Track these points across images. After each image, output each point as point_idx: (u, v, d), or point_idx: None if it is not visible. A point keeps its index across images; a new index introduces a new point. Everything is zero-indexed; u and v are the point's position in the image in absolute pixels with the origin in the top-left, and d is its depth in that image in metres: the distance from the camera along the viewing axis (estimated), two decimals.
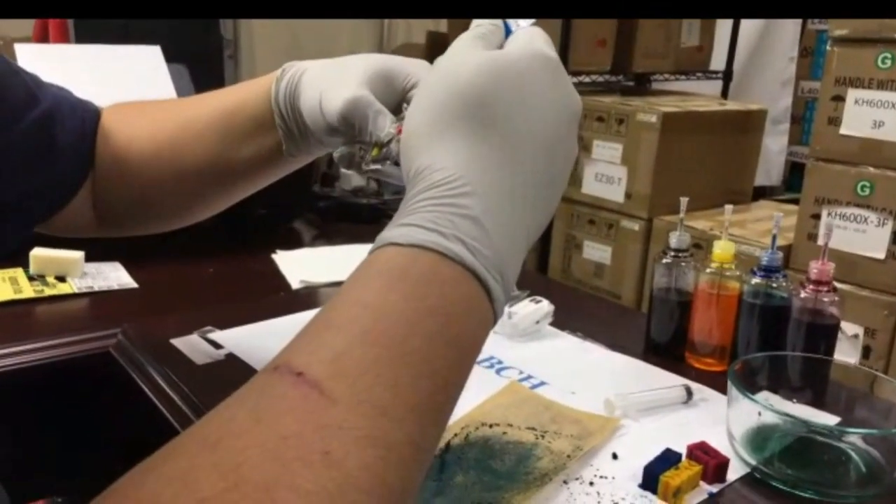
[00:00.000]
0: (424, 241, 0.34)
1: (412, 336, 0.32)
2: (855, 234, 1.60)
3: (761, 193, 2.70)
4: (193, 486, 0.27)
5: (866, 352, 1.61)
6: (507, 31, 0.45)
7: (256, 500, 0.26)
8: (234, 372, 0.73)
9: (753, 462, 0.61)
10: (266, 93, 0.59)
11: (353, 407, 0.30)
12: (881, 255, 1.58)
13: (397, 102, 0.55)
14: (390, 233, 0.36)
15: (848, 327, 1.59)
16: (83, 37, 1.68)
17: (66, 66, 1.22)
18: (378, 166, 0.51)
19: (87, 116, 0.63)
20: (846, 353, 1.59)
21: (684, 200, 0.80)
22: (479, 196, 0.37)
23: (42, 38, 1.67)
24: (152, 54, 1.27)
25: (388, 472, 0.29)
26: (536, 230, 0.41)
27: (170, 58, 1.30)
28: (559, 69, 0.42)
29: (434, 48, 3.38)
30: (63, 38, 1.58)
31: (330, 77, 0.55)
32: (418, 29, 3.76)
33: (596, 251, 2.14)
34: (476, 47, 0.42)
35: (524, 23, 0.45)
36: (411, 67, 0.56)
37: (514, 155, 0.39)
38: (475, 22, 0.45)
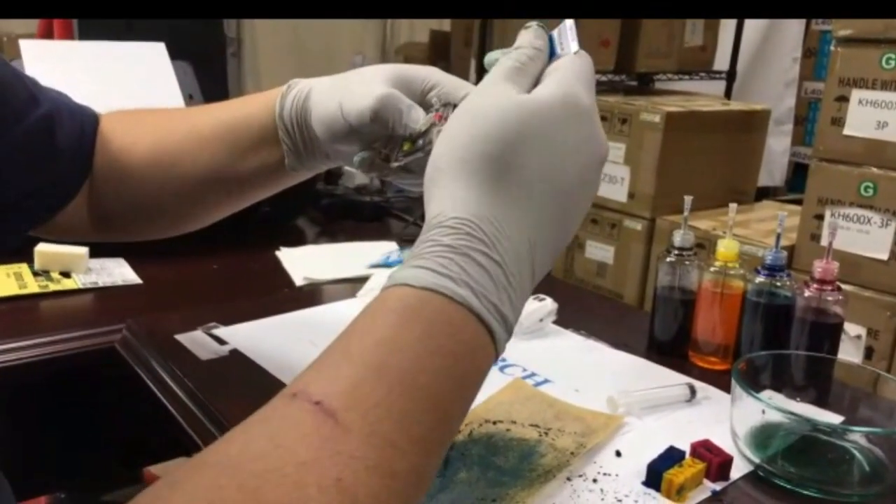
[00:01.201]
0: (436, 285, 0.37)
1: (421, 373, 0.35)
2: (858, 234, 1.60)
3: (764, 194, 2.70)
4: None
5: (869, 353, 1.61)
6: (552, 52, 0.45)
7: None
8: (238, 368, 0.73)
9: (757, 460, 0.61)
10: (270, 108, 0.60)
11: (364, 437, 0.32)
12: (884, 256, 1.58)
13: (419, 103, 0.56)
14: (404, 273, 0.38)
15: (851, 328, 1.59)
16: (87, 33, 1.68)
17: (70, 62, 1.22)
18: (410, 159, 0.52)
19: (85, 121, 0.63)
20: (849, 354, 1.59)
21: (688, 199, 0.80)
22: (490, 243, 0.39)
23: (46, 34, 1.68)
24: (157, 51, 1.28)
25: (391, 499, 0.32)
26: (542, 270, 0.42)
27: (173, 55, 1.30)
28: (590, 116, 0.43)
29: (437, 47, 3.38)
30: (67, 35, 1.58)
31: (349, 85, 0.56)
32: (421, 28, 3.76)
33: (598, 251, 2.14)
34: (509, 86, 0.42)
35: (571, 44, 0.44)
36: (425, 71, 0.57)
37: (529, 203, 0.40)
38: (521, 37, 0.44)
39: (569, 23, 0.44)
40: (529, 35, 0.45)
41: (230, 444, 0.32)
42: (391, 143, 0.55)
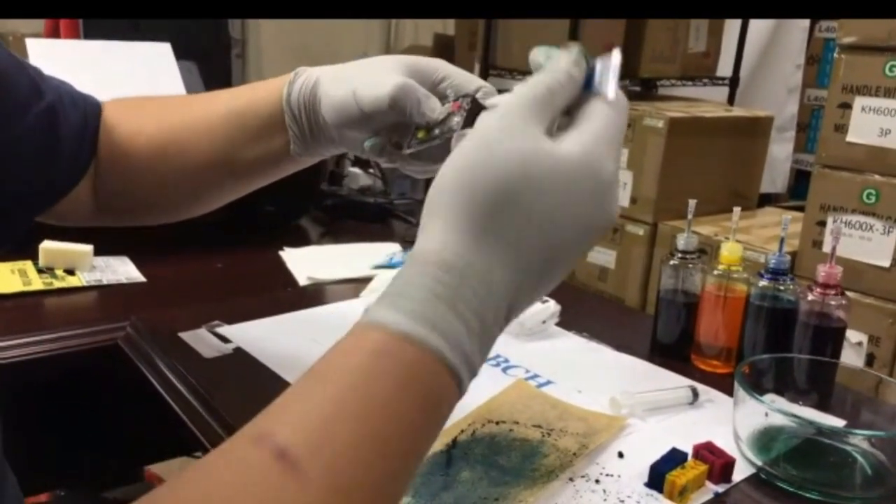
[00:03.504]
0: (416, 332, 0.36)
1: (391, 423, 0.35)
2: (860, 241, 1.60)
3: (766, 200, 2.70)
4: None
5: (870, 360, 1.61)
6: (589, 82, 0.42)
7: None
8: (241, 366, 0.73)
9: (759, 463, 0.61)
10: (277, 95, 0.61)
11: (325, 489, 0.32)
12: (886, 263, 1.58)
13: (433, 94, 0.56)
14: (385, 313, 0.37)
15: (852, 335, 1.59)
16: (93, 33, 1.69)
17: (76, 61, 1.22)
18: (424, 146, 0.53)
19: (88, 109, 0.64)
20: (850, 361, 1.59)
21: (692, 202, 0.80)
22: (474, 293, 0.38)
23: (53, 33, 1.68)
24: (162, 51, 1.28)
25: None
26: (516, 316, 0.41)
27: (178, 56, 1.31)
28: (608, 186, 0.40)
29: (441, 51, 3.39)
30: (74, 34, 1.58)
31: (362, 73, 0.57)
32: (425, 32, 3.77)
33: (600, 255, 2.14)
34: (534, 123, 0.39)
35: (611, 83, 0.41)
36: (434, 63, 0.58)
37: (518, 255, 0.39)
38: (561, 58, 0.41)
39: (616, 59, 0.42)
40: (569, 59, 0.42)
41: (187, 488, 0.32)
42: (401, 129, 0.56)
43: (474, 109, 0.49)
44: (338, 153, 0.66)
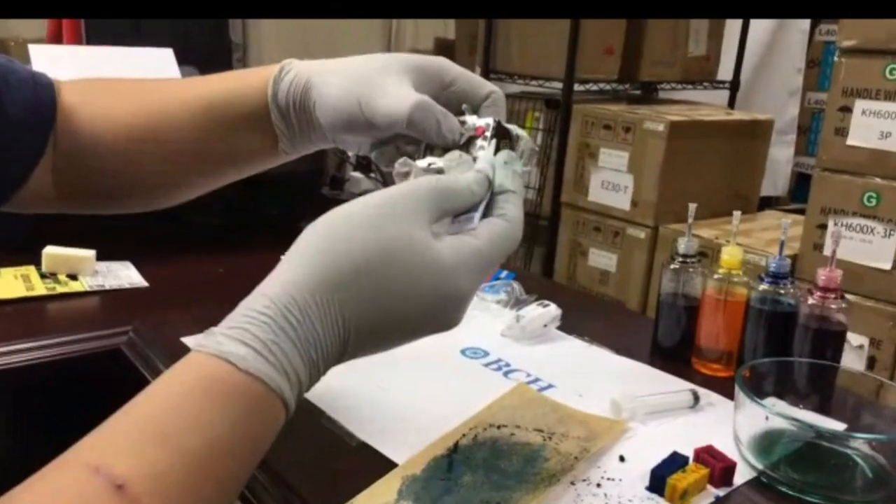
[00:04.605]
0: (260, 372, 0.39)
1: (230, 460, 0.38)
2: (861, 244, 1.61)
3: (767, 204, 2.71)
4: None
5: (871, 363, 1.61)
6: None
7: None
8: None
9: (760, 466, 0.61)
10: (261, 90, 0.56)
11: None
12: (887, 266, 1.58)
13: (440, 99, 0.53)
14: (226, 346, 0.39)
15: (853, 338, 1.59)
16: (95, 37, 1.69)
17: (79, 66, 1.23)
18: (439, 167, 0.52)
19: (40, 90, 0.58)
20: (851, 364, 1.59)
21: (692, 206, 0.80)
22: (311, 335, 0.41)
23: (55, 38, 1.69)
24: (164, 56, 1.29)
25: None
26: (345, 360, 0.44)
27: (179, 60, 1.31)
28: (460, 301, 0.45)
29: (441, 54, 3.38)
30: (76, 39, 1.59)
31: (368, 82, 0.53)
32: (425, 37, 3.77)
33: (601, 258, 2.15)
34: (420, 213, 0.44)
35: (514, 179, 0.48)
36: (438, 63, 0.55)
37: (359, 320, 0.42)
38: (475, 173, 0.48)
39: (527, 144, 0.48)
40: (477, 179, 0.47)
41: None
42: (409, 137, 0.53)
43: (498, 134, 0.51)
44: (329, 148, 0.64)
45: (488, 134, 0.50)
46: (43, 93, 0.58)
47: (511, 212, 0.48)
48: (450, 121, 0.52)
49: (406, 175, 0.48)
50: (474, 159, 0.50)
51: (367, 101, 0.52)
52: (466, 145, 0.51)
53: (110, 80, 0.63)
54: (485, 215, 0.47)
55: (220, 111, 0.58)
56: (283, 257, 0.43)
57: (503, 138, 0.50)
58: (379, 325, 0.43)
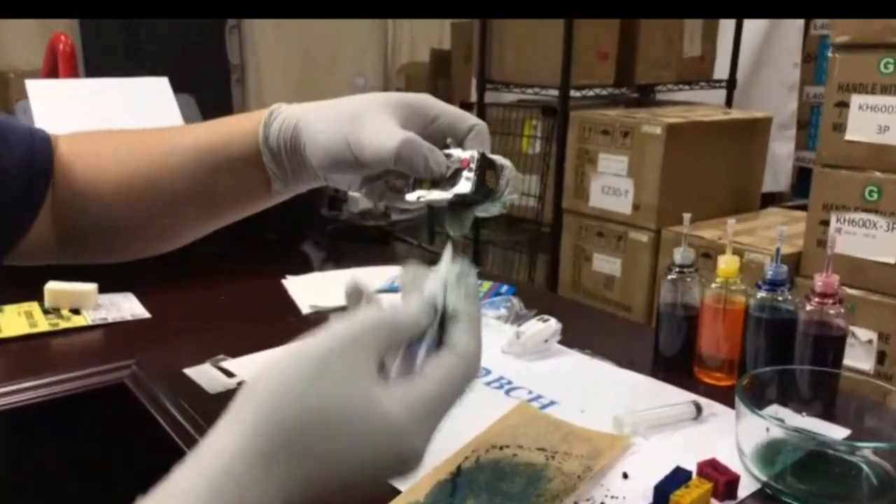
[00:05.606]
0: None
1: None
2: (864, 239, 1.60)
3: (770, 199, 2.69)
4: None
5: (881, 357, 1.60)
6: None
7: None
8: None
9: (764, 478, 0.61)
10: (252, 134, 0.58)
11: None
12: (891, 260, 1.57)
13: (425, 135, 0.54)
14: None
15: (861, 333, 1.58)
16: (92, 63, 1.71)
17: (76, 100, 1.24)
18: (432, 201, 0.52)
19: (37, 146, 0.60)
20: (860, 360, 1.58)
21: (687, 216, 0.80)
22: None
23: (51, 68, 1.70)
24: (160, 85, 1.30)
25: None
26: None
27: (176, 84, 1.32)
28: (413, 456, 0.40)
29: (438, 65, 3.40)
30: (72, 69, 1.60)
31: (354, 121, 0.54)
32: (422, 48, 3.80)
33: (605, 263, 2.14)
34: (364, 357, 0.40)
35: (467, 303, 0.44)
36: (421, 100, 0.56)
37: (304, 490, 0.38)
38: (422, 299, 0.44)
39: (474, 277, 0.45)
40: (424, 310, 0.44)
41: None
42: (397, 173, 0.54)
43: (483, 165, 0.51)
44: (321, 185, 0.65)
45: (473, 166, 0.51)
46: (40, 148, 0.60)
47: (462, 342, 0.43)
48: (436, 155, 0.52)
49: (357, 298, 0.47)
50: (456, 190, 0.50)
51: (356, 141, 0.53)
52: (453, 178, 0.52)
53: (105, 133, 0.64)
54: (440, 342, 0.44)
55: (213, 156, 0.60)
56: (221, 420, 0.39)
57: (488, 168, 0.51)
58: (326, 490, 0.39)
